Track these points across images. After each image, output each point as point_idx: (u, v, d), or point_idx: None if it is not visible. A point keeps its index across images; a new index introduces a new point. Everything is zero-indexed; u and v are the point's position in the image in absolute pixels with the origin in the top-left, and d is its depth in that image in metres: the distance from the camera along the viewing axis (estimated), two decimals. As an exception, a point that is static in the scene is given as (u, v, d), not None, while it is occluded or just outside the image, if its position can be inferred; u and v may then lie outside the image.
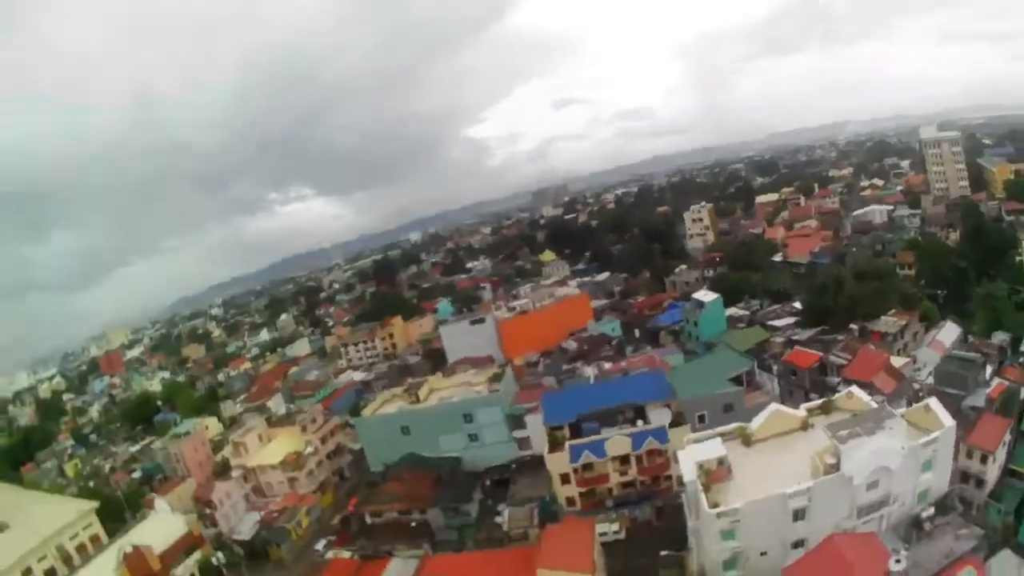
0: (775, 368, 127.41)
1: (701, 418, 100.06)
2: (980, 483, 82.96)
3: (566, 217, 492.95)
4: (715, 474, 76.39)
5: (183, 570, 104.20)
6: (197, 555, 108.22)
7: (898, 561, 58.29)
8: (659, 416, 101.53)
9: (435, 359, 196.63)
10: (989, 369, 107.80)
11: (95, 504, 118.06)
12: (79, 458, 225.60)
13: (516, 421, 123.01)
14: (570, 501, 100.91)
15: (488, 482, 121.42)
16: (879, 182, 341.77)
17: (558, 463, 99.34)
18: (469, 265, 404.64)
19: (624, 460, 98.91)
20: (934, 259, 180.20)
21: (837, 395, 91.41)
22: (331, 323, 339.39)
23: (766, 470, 76.13)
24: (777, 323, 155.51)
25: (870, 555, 60.65)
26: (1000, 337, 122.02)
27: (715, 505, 71.75)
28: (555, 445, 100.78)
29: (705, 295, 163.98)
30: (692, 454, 79.99)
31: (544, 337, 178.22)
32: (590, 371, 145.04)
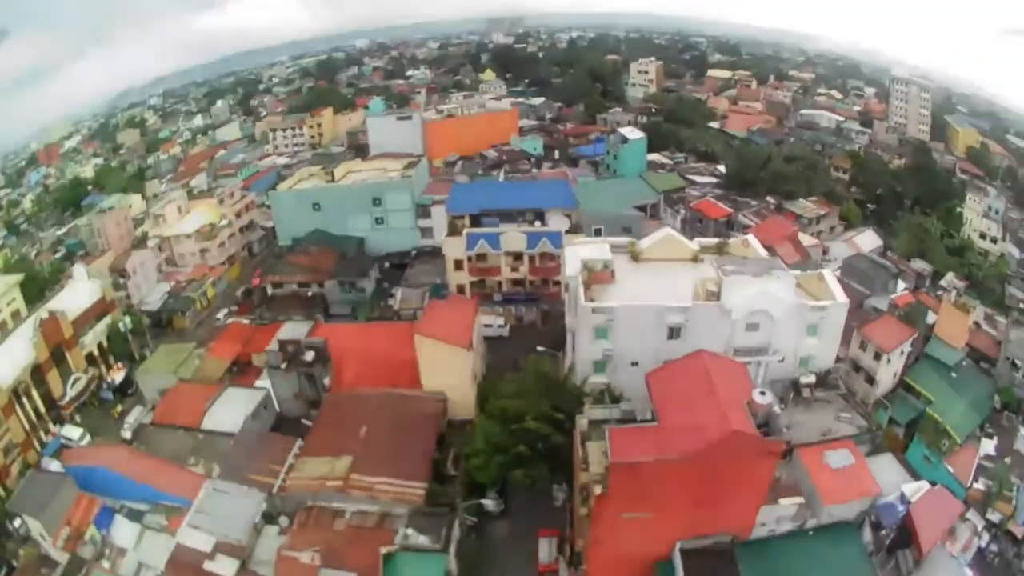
0: (683, 212, 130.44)
1: (598, 232, 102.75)
2: (871, 381, 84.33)
3: (516, 46, 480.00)
4: (598, 275, 79.19)
5: (92, 336, 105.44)
6: (107, 320, 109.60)
7: (763, 393, 56.95)
8: (557, 222, 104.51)
9: (360, 152, 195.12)
10: (902, 285, 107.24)
11: (19, 277, 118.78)
12: (9, 247, 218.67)
13: (423, 211, 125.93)
14: (460, 289, 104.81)
15: (388, 265, 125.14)
16: (837, 95, 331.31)
17: (454, 248, 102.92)
18: (409, 73, 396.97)
19: (517, 257, 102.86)
20: (872, 174, 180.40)
21: (732, 239, 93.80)
22: (264, 113, 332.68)
23: (649, 286, 78.22)
24: (697, 179, 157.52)
25: (736, 380, 60.13)
26: (921, 265, 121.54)
27: (592, 300, 74.66)
28: (454, 232, 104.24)
29: (631, 132, 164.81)
30: (578, 252, 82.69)
31: (468, 143, 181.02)
32: (501, 175, 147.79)
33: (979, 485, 75.16)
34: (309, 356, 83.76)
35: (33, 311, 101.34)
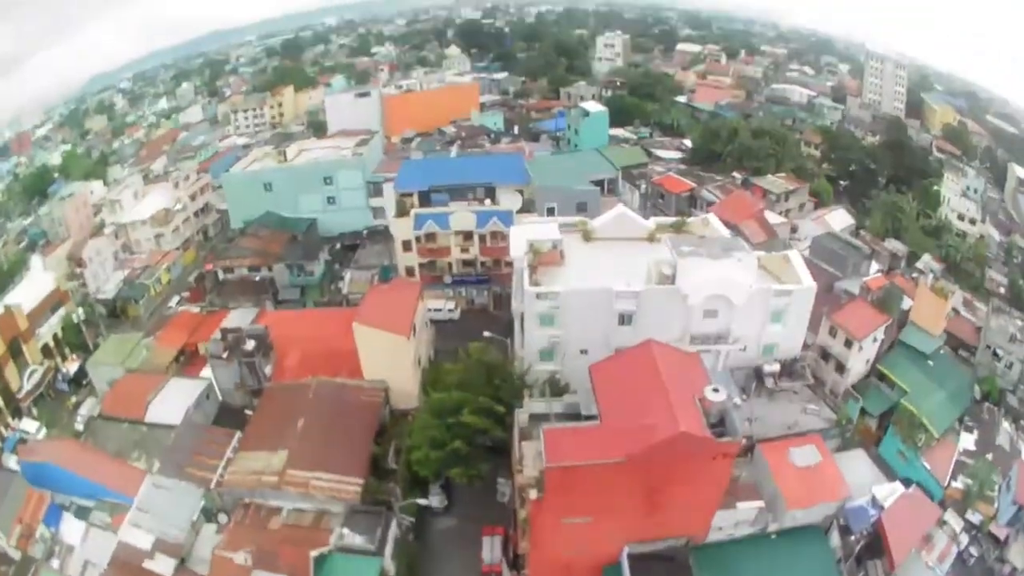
0: (643, 187, 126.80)
1: (551, 211, 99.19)
2: (841, 369, 79.54)
3: (483, 20, 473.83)
4: (546, 256, 75.63)
5: (47, 329, 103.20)
6: (61, 312, 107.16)
7: (716, 390, 51.86)
8: (509, 199, 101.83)
9: (319, 130, 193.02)
10: (875, 266, 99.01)
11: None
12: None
13: (376, 189, 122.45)
14: (410, 271, 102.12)
15: (339, 246, 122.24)
16: (809, 70, 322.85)
17: (402, 229, 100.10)
18: (374, 50, 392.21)
19: (468, 237, 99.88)
20: (844, 149, 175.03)
21: (693, 217, 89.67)
22: (228, 93, 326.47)
23: (601, 269, 74.10)
24: (661, 153, 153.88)
25: (687, 373, 55.42)
26: (896, 245, 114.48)
27: (538, 284, 71.01)
28: (402, 212, 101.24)
29: (592, 105, 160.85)
30: (525, 232, 79.10)
31: (427, 119, 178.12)
32: (455, 150, 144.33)
33: (958, 484, 70.67)
34: (250, 345, 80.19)
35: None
